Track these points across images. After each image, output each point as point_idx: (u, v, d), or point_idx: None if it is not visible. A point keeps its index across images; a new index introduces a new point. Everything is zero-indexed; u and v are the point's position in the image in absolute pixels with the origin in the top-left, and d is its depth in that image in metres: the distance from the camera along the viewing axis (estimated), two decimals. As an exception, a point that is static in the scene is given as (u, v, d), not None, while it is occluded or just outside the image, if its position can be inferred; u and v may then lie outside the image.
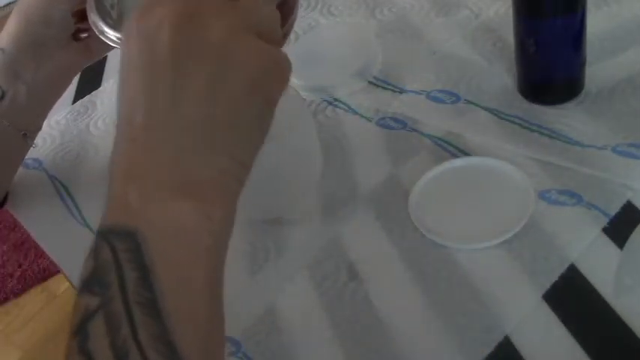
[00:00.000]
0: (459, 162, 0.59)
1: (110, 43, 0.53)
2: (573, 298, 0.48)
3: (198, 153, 0.35)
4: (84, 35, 0.64)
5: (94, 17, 0.54)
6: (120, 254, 0.33)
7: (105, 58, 0.90)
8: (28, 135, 0.68)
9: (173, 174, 0.34)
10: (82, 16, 0.57)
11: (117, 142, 0.36)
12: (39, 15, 0.63)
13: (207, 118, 0.34)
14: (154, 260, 0.32)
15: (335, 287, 0.54)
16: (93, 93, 0.86)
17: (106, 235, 0.34)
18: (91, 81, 0.87)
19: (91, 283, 0.33)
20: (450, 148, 0.61)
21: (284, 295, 0.55)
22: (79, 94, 0.86)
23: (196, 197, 0.34)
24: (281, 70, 0.37)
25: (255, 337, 0.52)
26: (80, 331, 0.31)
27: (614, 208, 0.52)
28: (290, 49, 0.78)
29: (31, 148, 0.71)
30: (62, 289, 1.74)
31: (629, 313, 0.46)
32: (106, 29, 0.53)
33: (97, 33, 0.54)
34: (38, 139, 0.80)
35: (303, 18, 0.84)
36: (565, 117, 0.61)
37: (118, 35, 0.52)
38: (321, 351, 0.50)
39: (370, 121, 0.67)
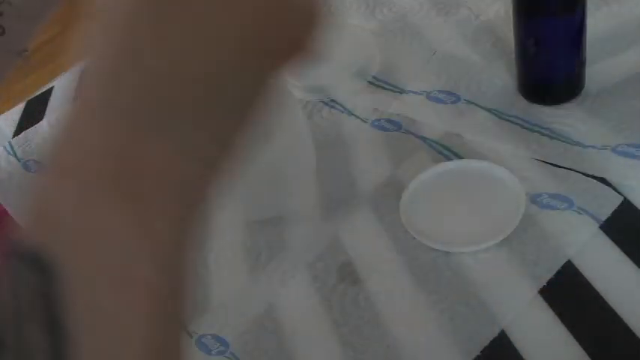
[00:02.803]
0: (450, 165, 0.59)
1: None
2: (569, 296, 0.48)
3: (153, 128, 0.23)
4: None
5: None
6: (24, 294, 0.21)
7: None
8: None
9: (110, 161, 0.22)
10: None
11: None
12: None
13: (173, 76, 0.23)
14: (70, 307, 0.21)
15: (334, 287, 0.54)
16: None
17: (17, 258, 0.22)
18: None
19: None
20: (444, 150, 0.61)
21: (283, 295, 0.55)
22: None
23: (133, 198, 0.22)
24: (305, 15, 0.26)
25: (254, 336, 0.52)
26: None
27: (604, 214, 0.52)
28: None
29: (34, 148, 0.70)
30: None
31: (624, 307, 0.46)
32: None
33: None
34: (39, 139, 0.80)
35: (303, 18, 0.83)
36: (565, 117, 0.60)
37: None
38: (321, 351, 0.50)
39: (365, 122, 0.67)
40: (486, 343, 0.47)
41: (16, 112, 0.87)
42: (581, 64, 0.61)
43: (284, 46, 0.25)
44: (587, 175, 0.55)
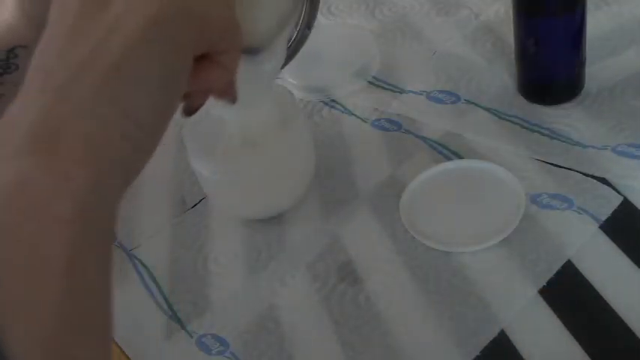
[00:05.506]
0: (450, 165, 0.59)
1: None
2: (569, 296, 0.48)
3: (79, 101, 0.28)
4: None
5: None
6: None
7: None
8: None
9: (37, 124, 0.28)
10: None
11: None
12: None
13: (96, 62, 0.29)
14: None
15: (334, 287, 0.54)
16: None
17: None
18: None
19: None
20: (444, 150, 0.61)
21: (283, 295, 0.55)
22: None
23: (52, 152, 0.27)
24: (194, 15, 0.31)
25: (254, 336, 0.52)
26: None
27: (604, 214, 0.52)
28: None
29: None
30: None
31: (624, 307, 0.46)
32: None
33: None
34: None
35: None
36: (565, 117, 0.60)
37: None
38: (321, 351, 0.50)
39: (365, 122, 0.67)
40: (486, 343, 0.47)
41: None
42: (581, 64, 0.61)
43: (178, 31, 0.31)
44: (587, 175, 0.55)
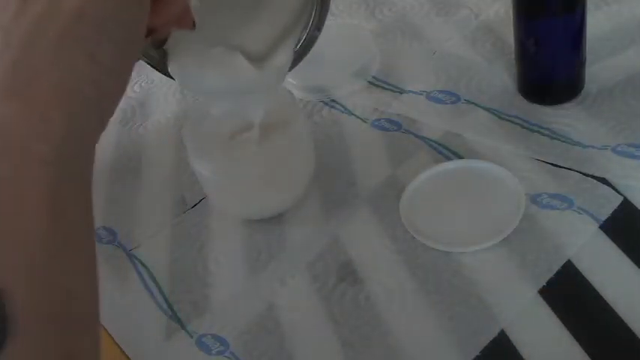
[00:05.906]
0: (450, 165, 0.59)
1: None
2: (569, 296, 0.48)
3: (46, 51, 0.29)
4: None
5: None
6: None
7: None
8: None
9: (8, 75, 0.29)
10: None
11: None
12: None
13: (57, 11, 0.30)
14: None
15: (334, 287, 0.54)
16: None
17: None
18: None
19: None
20: (444, 150, 0.61)
21: (283, 295, 0.55)
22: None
23: (26, 97, 0.28)
24: None
25: (254, 336, 0.52)
26: None
27: (604, 214, 0.52)
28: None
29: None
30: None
31: (624, 307, 0.46)
32: None
33: None
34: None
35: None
36: (565, 117, 0.61)
37: None
38: (321, 351, 0.50)
39: (365, 122, 0.67)
40: (486, 343, 0.47)
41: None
42: (581, 64, 0.61)
43: None
44: (587, 175, 0.55)
